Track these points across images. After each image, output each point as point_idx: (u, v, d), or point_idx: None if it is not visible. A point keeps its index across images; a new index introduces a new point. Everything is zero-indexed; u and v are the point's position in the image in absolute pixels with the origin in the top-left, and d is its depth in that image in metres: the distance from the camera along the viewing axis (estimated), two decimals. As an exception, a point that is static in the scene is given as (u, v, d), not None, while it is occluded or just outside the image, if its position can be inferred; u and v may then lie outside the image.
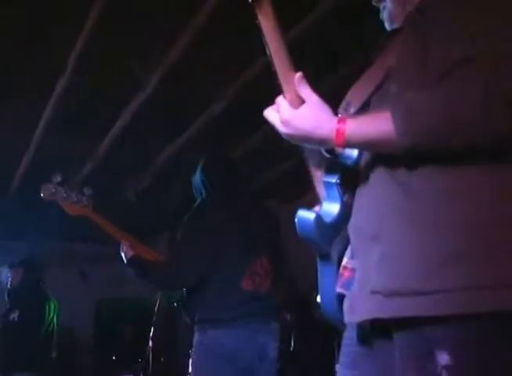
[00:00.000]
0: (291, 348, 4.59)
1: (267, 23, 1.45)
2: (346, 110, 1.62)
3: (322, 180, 1.65)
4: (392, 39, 1.63)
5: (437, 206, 1.40)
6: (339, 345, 1.96)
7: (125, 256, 3.33)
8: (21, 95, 5.47)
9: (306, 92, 1.50)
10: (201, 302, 3.19)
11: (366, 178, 1.56)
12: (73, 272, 9.28)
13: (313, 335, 4.90)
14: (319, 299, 1.69)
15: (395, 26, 1.69)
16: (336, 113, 1.54)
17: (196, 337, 3.20)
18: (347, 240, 1.61)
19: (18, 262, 5.85)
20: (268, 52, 1.50)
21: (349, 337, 1.65)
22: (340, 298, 1.59)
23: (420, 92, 1.39)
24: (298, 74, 1.50)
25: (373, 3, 1.74)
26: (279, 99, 1.51)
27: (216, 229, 3.25)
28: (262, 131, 6.22)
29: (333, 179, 1.62)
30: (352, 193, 1.62)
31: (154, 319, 6.30)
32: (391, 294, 1.39)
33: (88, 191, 3.42)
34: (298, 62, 1.52)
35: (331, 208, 1.63)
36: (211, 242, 3.19)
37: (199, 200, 3.47)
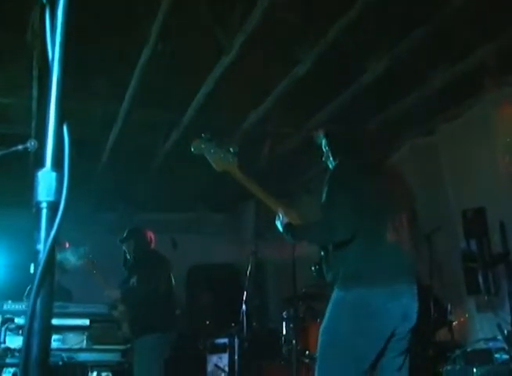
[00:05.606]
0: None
1: None
2: None
3: None
4: None
5: None
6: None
7: (281, 223, 3.43)
8: (107, 69, 5.54)
9: None
10: (346, 258, 3.20)
11: None
12: (163, 240, 9.48)
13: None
14: None
15: None
16: None
17: (337, 293, 3.20)
18: None
19: (127, 235, 5.97)
20: None
21: None
22: None
23: None
24: None
25: None
26: None
27: (357, 187, 3.26)
28: (346, 94, 6.09)
29: None
30: None
31: (246, 283, 6.35)
32: None
33: (234, 149, 3.48)
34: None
35: None
36: (354, 199, 3.19)
37: (336, 163, 3.51)
